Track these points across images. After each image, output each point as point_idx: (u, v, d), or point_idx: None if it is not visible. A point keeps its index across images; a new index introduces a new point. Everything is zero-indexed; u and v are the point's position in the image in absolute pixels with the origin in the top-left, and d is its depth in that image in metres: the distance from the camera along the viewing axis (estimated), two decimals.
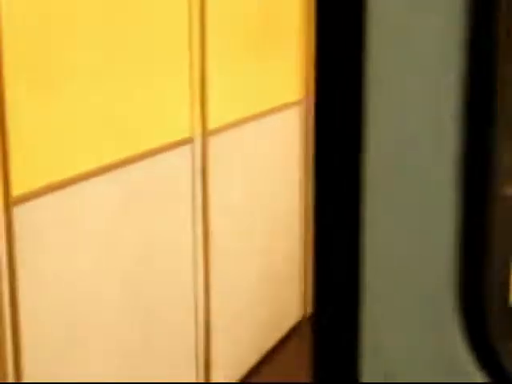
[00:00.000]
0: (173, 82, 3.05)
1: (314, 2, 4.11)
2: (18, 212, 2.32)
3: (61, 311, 2.52)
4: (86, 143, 2.59)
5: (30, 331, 2.38)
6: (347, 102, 0.85)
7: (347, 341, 0.89)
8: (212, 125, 3.28)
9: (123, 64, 2.73)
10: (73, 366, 2.60)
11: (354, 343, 0.89)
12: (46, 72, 2.38)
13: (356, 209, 0.86)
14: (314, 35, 0.86)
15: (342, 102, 0.85)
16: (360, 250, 0.87)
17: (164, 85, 2.98)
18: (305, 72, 4.21)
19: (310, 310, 4.47)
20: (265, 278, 3.97)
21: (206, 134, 3.24)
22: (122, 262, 2.81)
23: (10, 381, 2.32)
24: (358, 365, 0.89)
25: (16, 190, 2.30)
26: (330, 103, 0.86)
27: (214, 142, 3.30)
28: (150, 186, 2.93)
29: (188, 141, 3.14)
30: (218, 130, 3.34)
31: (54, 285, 2.48)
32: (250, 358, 3.89)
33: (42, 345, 2.46)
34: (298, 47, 4.13)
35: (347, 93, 0.85)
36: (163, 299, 3.07)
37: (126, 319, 2.85)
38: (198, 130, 3.20)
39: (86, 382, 2.65)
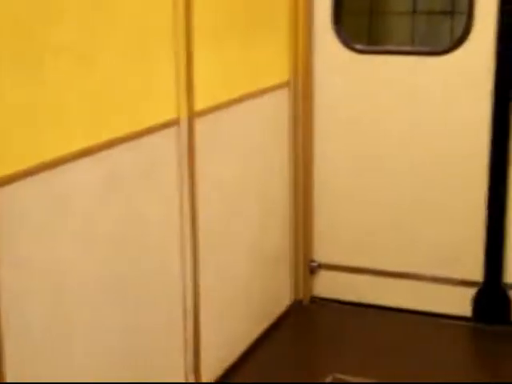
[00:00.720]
0: (158, 63, 3.01)
1: None
2: (1, 194, 2.29)
3: (45, 294, 2.50)
4: (70, 124, 2.56)
5: (13, 316, 2.35)
6: None
7: None
8: (198, 106, 3.25)
9: (108, 45, 2.70)
10: (57, 351, 2.58)
11: None
12: (28, 50, 2.35)
13: None
14: None
15: None
16: None
17: (150, 66, 2.95)
18: (293, 53, 4.19)
19: (301, 292, 4.45)
20: (255, 259, 3.95)
21: (192, 115, 3.21)
22: (108, 244, 2.78)
23: None
24: None
25: None
26: None
27: (200, 124, 3.27)
28: (135, 168, 2.91)
29: (174, 122, 3.12)
30: (204, 112, 3.31)
31: (37, 267, 2.45)
32: (241, 343, 3.87)
33: (25, 330, 2.43)
34: (285, 28, 4.10)
35: None
36: (150, 282, 3.05)
37: (111, 303, 2.83)
38: (185, 112, 3.17)
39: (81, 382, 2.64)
